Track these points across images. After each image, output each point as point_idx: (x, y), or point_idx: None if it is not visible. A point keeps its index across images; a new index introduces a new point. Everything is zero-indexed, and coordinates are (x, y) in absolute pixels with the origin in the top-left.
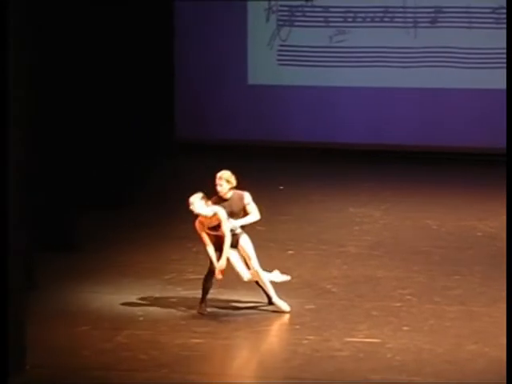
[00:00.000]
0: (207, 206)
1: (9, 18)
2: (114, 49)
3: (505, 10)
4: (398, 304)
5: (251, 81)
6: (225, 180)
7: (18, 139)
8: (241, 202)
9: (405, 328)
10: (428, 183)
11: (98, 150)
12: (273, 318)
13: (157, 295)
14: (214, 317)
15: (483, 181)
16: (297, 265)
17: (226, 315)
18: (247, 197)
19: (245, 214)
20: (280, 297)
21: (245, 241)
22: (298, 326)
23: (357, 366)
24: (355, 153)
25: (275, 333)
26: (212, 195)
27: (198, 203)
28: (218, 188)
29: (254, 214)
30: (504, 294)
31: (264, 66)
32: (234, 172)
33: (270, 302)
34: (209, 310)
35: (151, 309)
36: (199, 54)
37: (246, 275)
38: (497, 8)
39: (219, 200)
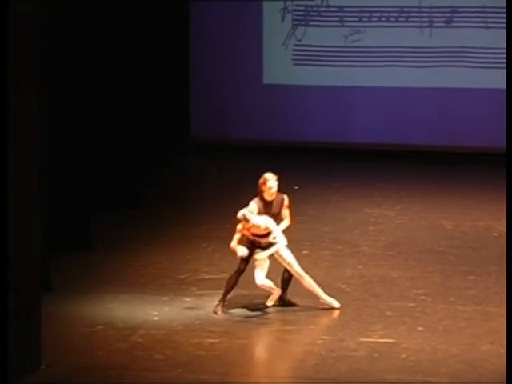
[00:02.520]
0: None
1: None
2: (129, 49)
3: None
4: (413, 304)
5: (266, 80)
6: (276, 181)
7: (32, 141)
8: (281, 205)
9: (419, 328)
10: (443, 183)
11: (112, 150)
12: (287, 318)
13: (171, 295)
14: (229, 317)
15: (499, 181)
16: (311, 264)
17: (241, 315)
18: (287, 200)
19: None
20: (292, 298)
21: (283, 249)
22: (312, 326)
23: (371, 366)
24: (370, 153)
25: (290, 333)
26: (227, 196)
27: (250, 215)
28: (272, 189)
29: (287, 219)
30: None
31: (279, 66)
32: (246, 170)
33: (283, 302)
34: (224, 309)
35: (166, 308)
36: (214, 54)
37: (259, 280)
38: None
39: (263, 202)
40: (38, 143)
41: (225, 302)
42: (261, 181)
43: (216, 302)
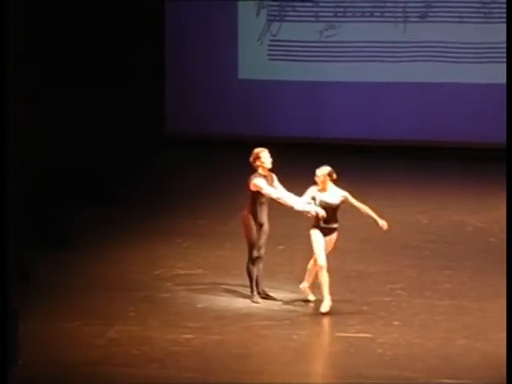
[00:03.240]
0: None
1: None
2: (105, 43)
3: (495, 5)
4: (389, 299)
5: (242, 75)
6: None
7: (15, 139)
8: (272, 180)
9: (395, 323)
10: (419, 178)
11: (86, 145)
12: (263, 313)
13: (147, 291)
14: (205, 312)
15: (474, 176)
16: (287, 260)
17: (218, 310)
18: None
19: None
20: (268, 292)
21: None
22: (288, 321)
23: (347, 361)
24: (347, 148)
25: (266, 328)
26: (203, 191)
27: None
28: (267, 163)
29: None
30: (495, 289)
31: (255, 61)
32: (221, 165)
33: (263, 296)
34: (199, 305)
35: (142, 304)
36: (190, 49)
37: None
38: (487, 2)
39: (263, 177)
40: (22, 142)
41: (259, 290)
42: (253, 157)
43: (253, 294)
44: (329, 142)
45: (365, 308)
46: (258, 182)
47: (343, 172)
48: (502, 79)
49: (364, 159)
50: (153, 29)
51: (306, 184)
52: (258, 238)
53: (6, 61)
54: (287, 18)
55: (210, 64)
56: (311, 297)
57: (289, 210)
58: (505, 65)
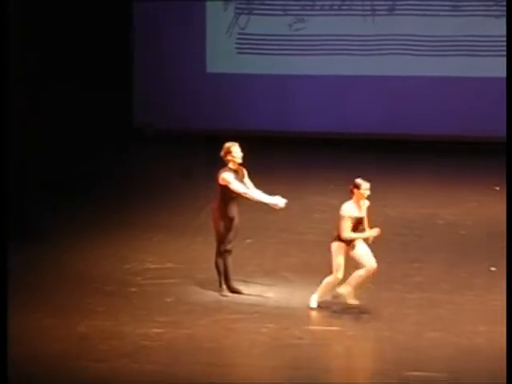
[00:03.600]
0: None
1: None
2: (73, 42)
3: None
4: (358, 292)
5: (210, 69)
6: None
7: None
8: (243, 175)
9: (364, 316)
10: (388, 171)
11: (54, 140)
12: (232, 306)
13: (118, 285)
14: (175, 306)
15: (444, 169)
16: (256, 253)
17: (188, 304)
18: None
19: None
20: (238, 285)
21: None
22: (257, 315)
23: (316, 354)
24: (316, 141)
25: (235, 321)
26: (172, 185)
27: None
28: (237, 158)
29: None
30: (467, 281)
31: (223, 55)
32: (191, 159)
33: (231, 290)
34: (168, 299)
35: (112, 299)
36: (158, 42)
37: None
38: None
39: (232, 172)
40: None
41: (228, 284)
42: (224, 151)
43: (222, 287)
44: (298, 136)
45: (334, 301)
46: (226, 177)
47: (312, 165)
48: (471, 73)
49: (333, 152)
50: (121, 29)
51: (276, 177)
52: (227, 231)
53: None
54: (255, 12)
55: (179, 59)
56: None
57: (256, 204)
58: (473, 58)
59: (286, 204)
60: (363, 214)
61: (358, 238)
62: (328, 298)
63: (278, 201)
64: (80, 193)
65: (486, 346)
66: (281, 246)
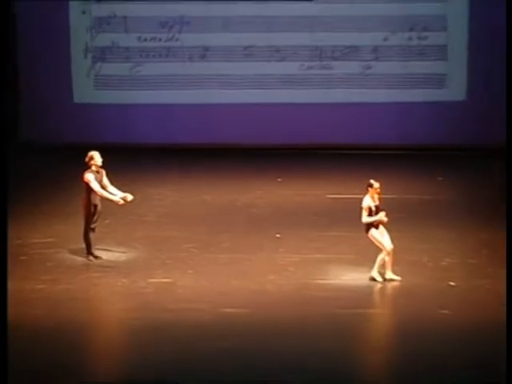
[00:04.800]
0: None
1: None
2: None
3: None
4: (185, 254)
5: (76, 100)
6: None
7: None
8: (102, 176)
9: (190, 271)
10: (205, 174)
11: None
12: (96, 268)
13: (12, 255)
14: (54, 269)
15: (241, 166)
16: (112, 230)
17: (63, 267)
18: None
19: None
20: (100, 253)
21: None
22: (114, 273)
23: (157, 299)
24: (153, 151)
25: (98, 278)
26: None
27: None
28: (99, 163)
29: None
30: (258, 244)
31: (84, 90)
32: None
33: (94, 256)
34: (49, 264)
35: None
36: (42, 80)
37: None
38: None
39: (94, 174)
40: None
41: (91, 251)
42: (88, 158)
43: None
44: (137, 146)
45: (168, 261)
46: (87, 176)
47: (148, 169)
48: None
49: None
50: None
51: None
52: (93, 215)
53: None
54: (106, 60)
55: (55, 92)
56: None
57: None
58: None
59: (132, 196)
60: (377, 203)
61: (372, 221)
62: None
63: (117, 198)
64: None
65: (273, 290)
66: (129, 225)
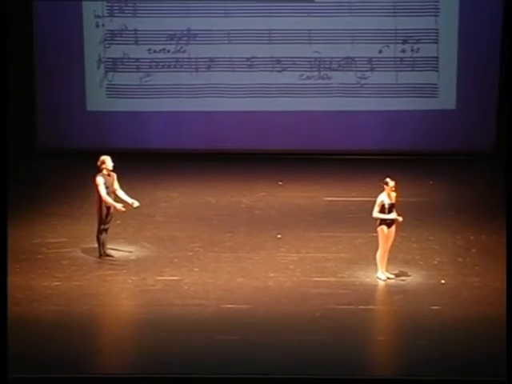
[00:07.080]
0: None
1: None
2: None
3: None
4: (191, 253)
5: (89, 108)
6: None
7: None
8: (113, 181)
9: (195, 269)
10: (210, 177)
11: None
12: (107, 266)
13: (28, 254)
14: (68, 266)
15: (239, 172)
16: (123, 231)
17: (77, 265)
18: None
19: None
20: (111, 252)
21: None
22: (124, 271)
23: (165, 295)
24: (161, 156)
25: (109, 276)
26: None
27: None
28: (110, 167)
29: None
30: (261, 244)
31: (97, 98)
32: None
33: (107, 255)
34: (64, 262)
35: (24, 263)
36: (58, 88)
37: None
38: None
39: (105, 178)
40: None
41: (104, 251)
42: (99, 162)
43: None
44: (148, 151)
45: (175, 260)
46: (97, 180)
47: (158, 173)
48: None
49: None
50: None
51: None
52: (106, 216)
53: None
54: (118, 70)
55: (70, 100)
56: (384, 276)
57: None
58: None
59: (138, 203)
60: (393, 201)
61: (381, 218)
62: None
63: (115, 204)
64: None
65: (274, 287)
66: (139, 224)
